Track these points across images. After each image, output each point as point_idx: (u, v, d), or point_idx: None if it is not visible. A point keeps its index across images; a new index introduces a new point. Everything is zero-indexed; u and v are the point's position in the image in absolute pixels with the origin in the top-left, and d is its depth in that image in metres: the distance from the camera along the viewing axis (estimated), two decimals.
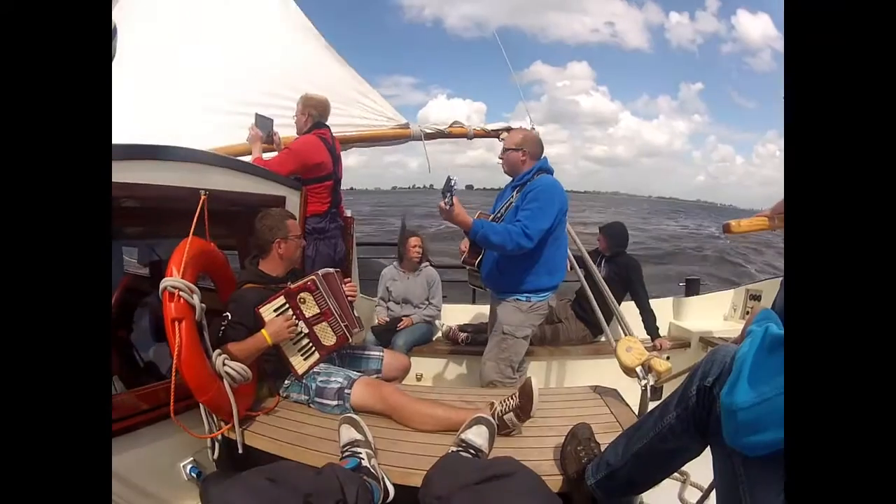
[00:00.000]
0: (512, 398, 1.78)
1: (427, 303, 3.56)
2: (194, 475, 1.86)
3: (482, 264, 2.53)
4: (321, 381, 2.01)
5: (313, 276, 2.07)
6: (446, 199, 2.10)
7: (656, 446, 1.27)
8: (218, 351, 1.82)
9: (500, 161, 2.59)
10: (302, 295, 2.03)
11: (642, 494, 1.45)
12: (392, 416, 1.90)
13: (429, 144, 3.78)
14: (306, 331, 2.04)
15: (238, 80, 3.41)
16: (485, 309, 3.48)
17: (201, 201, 1.86)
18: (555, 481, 1.49)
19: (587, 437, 1.55)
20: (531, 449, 1.68)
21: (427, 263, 3.62)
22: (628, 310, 3.17)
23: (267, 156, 2.83)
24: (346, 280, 2.31)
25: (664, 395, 1.35)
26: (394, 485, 1.54)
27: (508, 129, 3.48)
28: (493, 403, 1.81)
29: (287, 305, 1.99)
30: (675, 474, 1.49)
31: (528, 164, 2.48)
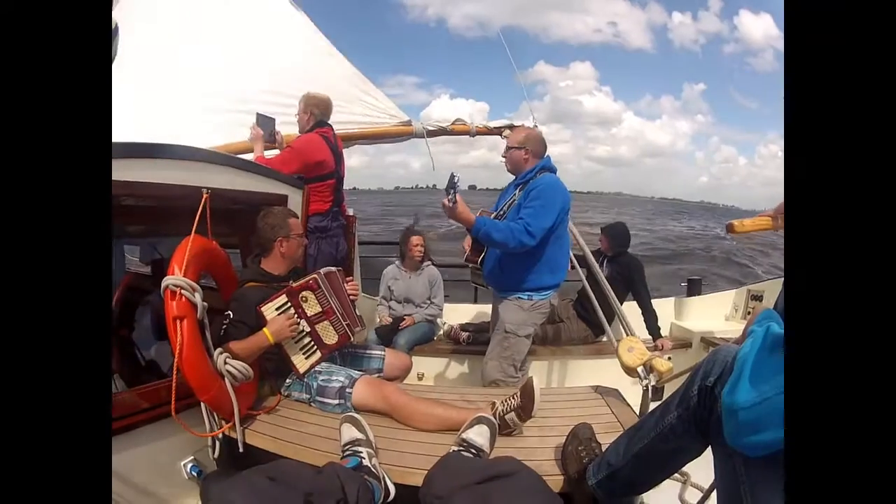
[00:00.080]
0: (513, 398, 1.77)
1: (429, 302, 3.56)
2: (195, 474, 1.86)
3: (484, 262, 2.53)
4: (322, 379, 2.01)
5: (315, 275, 2.07)
6: (450, 197, 2.12)
7: (657, 446, 1.26)
8: (219, 349, 1.82)
9: (503, 159, 2.59)
10: (304, 293, 2.03)
11: (643, 495, 1.45)
12: (393, 416, 1.90)
13: (431, 146, 3.79)
14: (308, 329, 2.04)
15: (239, 79, 3.42)
16: (486, 308, 3.48)
17: (204, 199, 1.86)
18: (556, 481, 1.49)
19: (588, 437, 1.55)
20: (532, 449, 1.68)
21: (429, 263, 3.62)
22: (629, 310, 3.17)
23: (269, 154, 2.83)
24: (347, 279, 2.31)
25: (665, 396, 1.35)
26: (395, 484, 1.54)
27: (511, 127, 3.48)
28: (494, 403, 1.81)
29: (289, 304, 1.99)
30: (676, 475, 1.48)
31: (530, 163, 2.48)
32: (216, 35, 3.54)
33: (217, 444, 1.85)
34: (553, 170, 2.48)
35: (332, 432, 1.76)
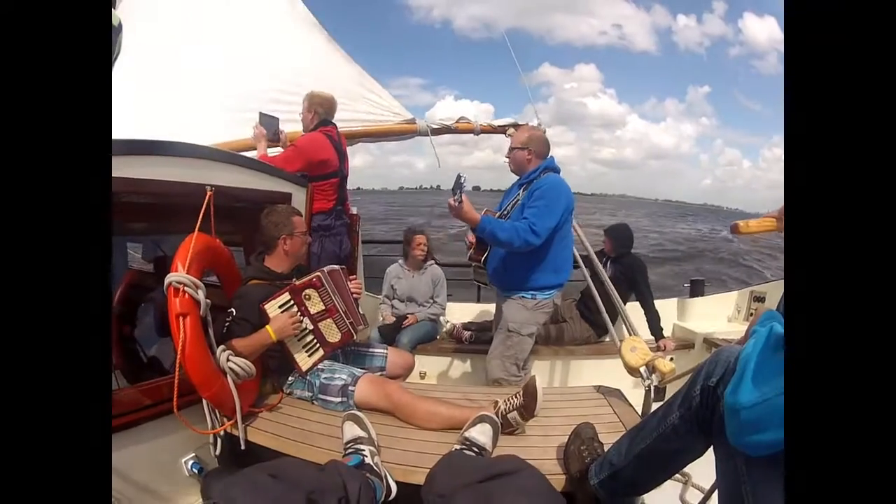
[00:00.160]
0: (516, 397, 1.77)
1: (432, 301, 3.57)
2: (196, 471, 1.86)
3: (488, 261, 2.55)
4: (325, 377, 2.01)
5: (318, 273, 2.07)
6: (456, 196, 2.14)
7: (659, 446, 1.26)
8: (222, 347, 1.82)
9: (507, 160, 2.59)
10: (307, 291, 2.03)
11: (644, 495, 1.45)
12: (396, 414, 1.90)
13: (436, 147, 3.78)
14: (311, 327, 2.04)
15: (242, 78, 3.42)
16: (489, 307, 3.48)
17: (207, 197, 1.86)
18: (558, 480, 1.49)
19: (590, 436, 1.54)
20: (534, 448, 1.68)
21: (432, 262, 3.63)
22: (632, 310, 3.16)
23: (272, 152, 2.84)
24: (351, 277, 2.31)
25: (667, 396, 1.34)
26: (396, 482, 1.54)
27: (515, 126, 3.47)
28: (496, 402, 1.80)
29: (292, 302, 2.00)
30: (677, 476, 1.48)
31: (534, 163, 2.48)
32: (219, 34, 3.54)
33: (219, 441, 1.85)
34: (556, 170, 2.48)
35: (334, 430, 1.76)
